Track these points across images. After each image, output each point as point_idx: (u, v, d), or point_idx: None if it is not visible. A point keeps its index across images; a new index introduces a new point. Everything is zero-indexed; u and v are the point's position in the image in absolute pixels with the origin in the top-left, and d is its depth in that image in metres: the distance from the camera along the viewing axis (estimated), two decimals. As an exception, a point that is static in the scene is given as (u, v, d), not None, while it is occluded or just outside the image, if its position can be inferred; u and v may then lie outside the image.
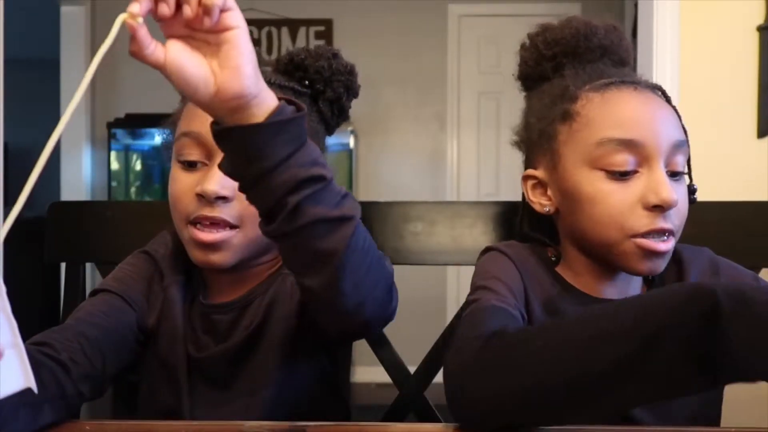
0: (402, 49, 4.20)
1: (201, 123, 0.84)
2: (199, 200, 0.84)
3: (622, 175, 0.81)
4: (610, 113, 0.83)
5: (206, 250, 0.85)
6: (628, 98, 0.84)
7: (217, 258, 0.85)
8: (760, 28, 2.02)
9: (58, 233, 1.15)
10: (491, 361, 0.66)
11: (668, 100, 0.88)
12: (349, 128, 3.95)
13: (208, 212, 0.84)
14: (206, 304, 0.93)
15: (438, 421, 1.07)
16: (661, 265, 0.82)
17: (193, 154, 0.86)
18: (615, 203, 0.81)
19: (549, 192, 0.90)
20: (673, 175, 0.83)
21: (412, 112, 4.25)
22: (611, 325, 0.61)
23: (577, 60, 0.91)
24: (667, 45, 2.05)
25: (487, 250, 0.93)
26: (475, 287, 0.84)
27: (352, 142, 4.03)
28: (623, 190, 0.81)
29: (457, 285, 4.12)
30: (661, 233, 0.81)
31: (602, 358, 0.60)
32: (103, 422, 0.73)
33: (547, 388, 0.62)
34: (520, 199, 0.99)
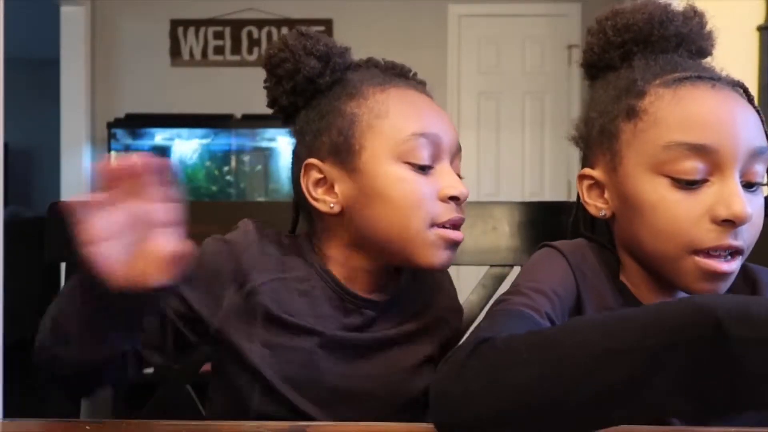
0: (402, 48, 4.20)
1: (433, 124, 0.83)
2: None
3: (689, 184, 0.73)
4: (681, 113, 0.74)
5: (450, 251, 0.82)
6: (704, 97, 0.74)
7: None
8: (760, 28, 2.02)
9: (58, 233, 1.15)
10: (475, 369, 0.61)
11: (750, 99, 0.78)
12: (349, 128, 3.95)
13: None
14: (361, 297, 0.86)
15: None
16: (722, 287, 0.74)
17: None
18: (679, 214, 0.73)
19: (606, 195, 0.81)
20: (749, 186, 0.74)
21: (412, 112, 4.24)
22: (604, 345, 0.56)
23: (649, 49, 0.80)
24: (667, 45, 2.05)
25: (543, 246, 0.84)
26: (513, 287, 0.77)
27: (352, 142, 4.02)
28: (690, 200, 0.72)
29: (456, 285, 4.12)
30: (727, 251, 0.73)
31: (587, 382, 0.56)
32: (103, 422, 0.73)
33: (525, 403, 0.58)
34: (519, 199, 0.99)
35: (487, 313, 0.74)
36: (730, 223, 0.71)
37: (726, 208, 0.71)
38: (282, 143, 4.22)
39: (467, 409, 0.60)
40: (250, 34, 4.22)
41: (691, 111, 0.74)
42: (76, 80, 4.06)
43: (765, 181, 0.76)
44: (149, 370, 3.27)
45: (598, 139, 0.81)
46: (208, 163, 4.28)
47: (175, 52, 4.26)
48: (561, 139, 4.31)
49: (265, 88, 0.86)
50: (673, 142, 0.73)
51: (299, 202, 0.87)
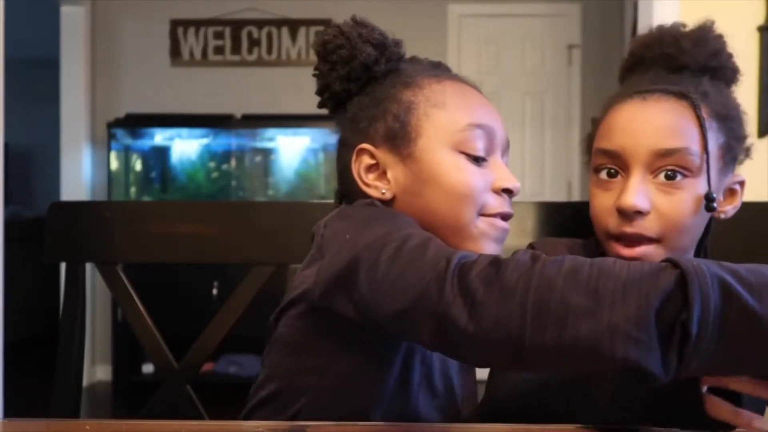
0: (402, 49, 4.20)
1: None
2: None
3: (608, 179, 0.88)
4: (605, 124, 0.90)
5: (498, 244, 0.83)
6: (626, 109, 0.88)
7: None
8: (760, 28, 2.03)
9: (58, 233, 1.15)
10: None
11: (695, 108, 0.86)
12: (349, 128, 3.94)
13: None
14: None
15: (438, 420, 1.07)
16: None
17: (480, 149, 0.83)
18: (596, 205, 0.89)
19: None
20: (670, 177, 0.85)
21: (412, 112, 4.24)
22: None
23: (643, 66, 0.94)
24: (667, 45, 2.05)
25: (527, 247, 0.95)
26: None
27: (352, 142, 4.02)
28: (605, 194, 0.88)
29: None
30: (628, 238, 0.85)
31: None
32: (103, 422, 0.73)
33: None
34: (519, 198, 0.99)
35: None
36: (623, 212, 0.84)
37: (620, 199, 0.85)
38: (282, 143, 4.22)
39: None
40: (250, 34, 4.22)
41: (610, 123, 0.89)
42: (76, 80, 4.05)
43: (686, 176, 0.85)
44: (149, 370, 3.30)
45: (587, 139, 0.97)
46: (208, 163, 4.28)
47: (175, 52, 4.26)
48: (561, 139, 4.31)
49: (315, 75, 0.86)
50: (597, 148, 0.90)
51: (344, 191, 0.86)
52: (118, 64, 4.25)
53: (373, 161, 0.81)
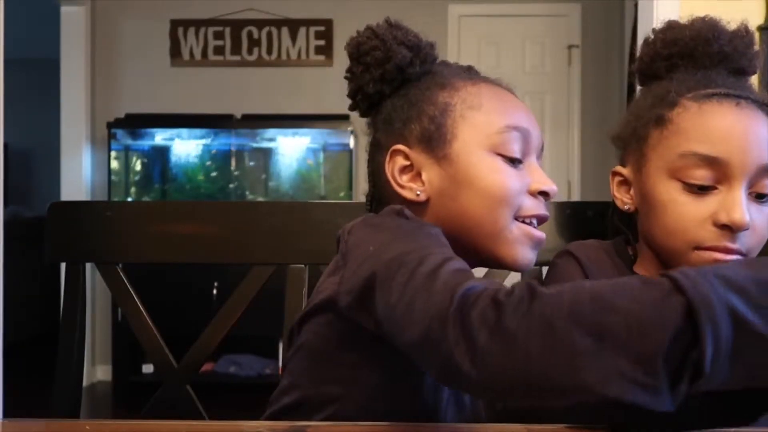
0: (402, 49, 4.20)
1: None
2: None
3: (699, 189, 0.81)
4: (700, 127, 0.82)
5: (533, 251, 0.81)
6: (724, 114, 0.82)
7: None
8: (760, 28, 2.02)
9: (58, 233, 1.15)
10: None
11: None
12: (349, 128, 3.95)
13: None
14: None
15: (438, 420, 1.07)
16: None
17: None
18: (685, 215, 0.82)
19: (632, 191, 0.91)
20: (760, 197, 0.82)
21: (412, 112, 4.24)
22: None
23: (692, 63, 0.87)
24: (667, 45, 2.05)
25: (563, 253, 0.93)
26: None
27: (352, 142, 4.03)
28: (697, 203, 0.82)
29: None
30: (726, 252, 0.80)
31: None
32: (103, 422, 0.73)
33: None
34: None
35: None
36: (729, 229, 0.79)
37: (726, 214, 0.79)
38: (282, 143, 4.22)
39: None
40: (250, 34, 4.22)
41: (708, 125, 0.82)
42: (76, 80, 4.06)
43: None
44: (149, 370, 3.30)
45: (630, 140, 0.90)
46: (208, 163, 4.28)
47: (175, 52, 4.26)
48: (561, 139, 4.31)
49: (348, 77, 0.85)
50: (689, 151, 0.82)
51: (376, 194, 0.86)
52: (118, 64, 4.25)
53: (407, 162, 0.80)
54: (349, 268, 0.70)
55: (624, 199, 0.91)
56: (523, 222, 0.79)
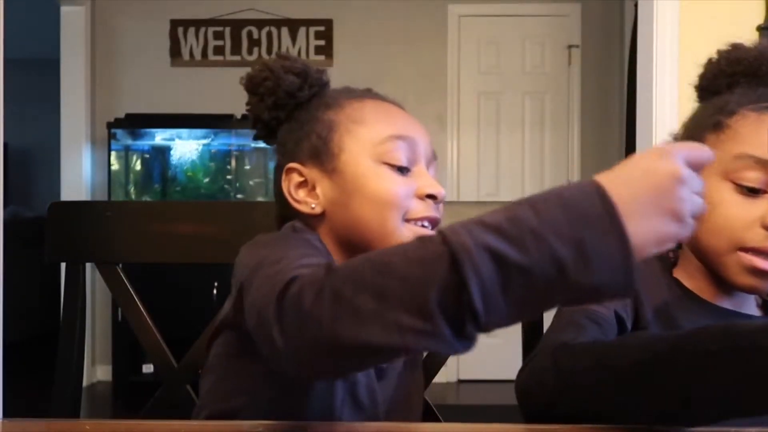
0: (402, 49, 4.20)
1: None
2: (420, 201, 0.85)
3: (750, 191, 0.84)
4: (757, 131, 0.85)
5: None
6: None
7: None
8: (760, 28, 2.02)
9: (58, 233, 1.15)
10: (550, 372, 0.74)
11: None
12: (349, 128, 3.94)
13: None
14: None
15: (438, 420, 1.07)
16: (762, 284, 0.83)
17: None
18: (734, 215, 0.84)
19: None
20: None
21: (412, 112, 4.20)
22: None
23: (754, 81, 0.91)
24: (667, 45, 2.05)
25: None
26: None
27: (352, 142, 4.02)
28: (747, 204, 0.84)
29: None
30: None
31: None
32: (103, 422, 0.73)
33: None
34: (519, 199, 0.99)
35: (560, 313, 0.84)
36: None
37: None
38: (282, 143, 4.22)
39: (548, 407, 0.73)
40: (250, 34, 4.22)
41: (766, 131, 0.85)
42: (76, 80, 4.06)
43: None
44: (149, 370, 3.29)
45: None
46: (208, 163, 4.28)
47: (175, 52, 4.26)
48: (561, 139, 4.31)
49: (247, 110, 0.92)
50: (744, 153, 0.84)
51: (282, 215, 0.90)
52: (118, 64, 4.25)
53: (301, 178, 0.86)
54: (233, 285, 0.76)
55: None
56: (415, 225, 0.83)
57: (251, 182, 4.30)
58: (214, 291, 3.75)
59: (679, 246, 0.94)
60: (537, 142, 4.30)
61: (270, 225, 0.98)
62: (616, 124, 4.20)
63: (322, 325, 0.58)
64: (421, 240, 0.59)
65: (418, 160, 0.85)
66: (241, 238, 1.15)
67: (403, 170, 0.83)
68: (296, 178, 0.86)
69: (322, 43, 4.23)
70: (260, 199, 4.21)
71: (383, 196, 0.82)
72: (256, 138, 0.93)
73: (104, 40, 4.22)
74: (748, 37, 2.04)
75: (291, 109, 0.89)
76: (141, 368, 3.82)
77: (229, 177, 4.28)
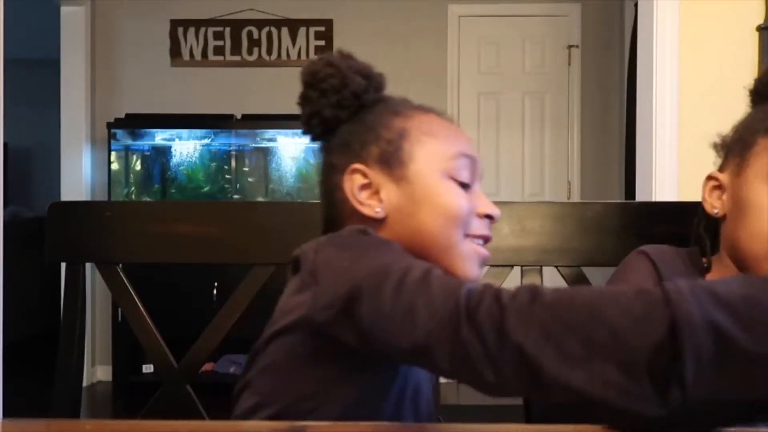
0: (402, 49, 4.20)
1: None
2: (479, 219, 0.87)
3: None
4: None
5: (480, 268, 0.87)
6: None
7: None
8: (760, 28, 2.02)
9: (58, 233, 1.15)
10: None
11: None
12: (349, 128, 3.94)
13: None
14: None
15: (438, 420, 1.07)
16: None
17: (466, 177, 0.87)
18: None
19: (724, 197, 0.94)
20: None
21: (412, 112, 4.25)
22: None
23: None
24: (667, 45, 2.05)
25: (637, 252, 0.97)
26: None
27: (352, 142, 4.02)
28: None
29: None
30: None
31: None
32: (103, 422, 0.73)
33: None
34: (519, 199, 1.00)
35: None
36: None
37: None
38: (282, 143, 4.22)
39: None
40: (250, 34, 4.22)
41: None
42: (76, 80, 4.06)
43: None
44: (149, 370, 3.30)
45: (734, 146, 0.95)
46: (208, 163, 4.28)
47: (175, 52, 4.26)
48: (561, 139, 4.31)
49: (301, 103, 0.89)
50: None
51: (330, 216, 0.88)
52: (117, 64, 4.25)
53: (365, 180, 0.84)
54: (322, 284, 0.72)
55: (714, 204, 0.95)
56: (473, 241, 0.84)
57: (251, 182, 4.30)
58: (214, 291, 3.75)
59: (713, 251, 0.96)
60: (537, 142, 4.30)
61: (270, 225, 0.98)
62: (616, 124, 4.20)
63: (525, 353, 0.57)
64: (640, 294, 0.56)
65: (476, 179, 0.87)
66: (241, 238, 1.15)
67: (465, 187, 0.84)
68: (359, 180, 0.85)
69: (322, 43, 4.23)
70: (260, 199, 4.21)
71: (452, 210, 0.83)
72: (304, 133, 0.90)
73: (104, 40, 4.22)
74: (748, 37, 2.04)
75: (355, 110, 0.88)
76: (141, 368, 3.82)
77: (228, 177, 4.28)
